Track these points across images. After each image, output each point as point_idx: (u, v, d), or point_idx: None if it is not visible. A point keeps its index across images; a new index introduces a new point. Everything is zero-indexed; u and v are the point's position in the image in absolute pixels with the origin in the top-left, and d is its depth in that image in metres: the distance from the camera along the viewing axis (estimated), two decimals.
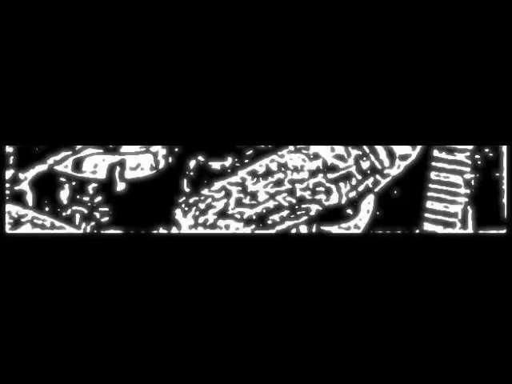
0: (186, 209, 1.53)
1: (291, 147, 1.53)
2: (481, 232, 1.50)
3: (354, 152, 1.53)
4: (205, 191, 1.53)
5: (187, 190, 1.53)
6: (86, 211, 1.52)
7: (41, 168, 1.52)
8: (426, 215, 1.52)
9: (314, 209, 1.53)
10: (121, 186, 1.53)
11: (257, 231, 1.52)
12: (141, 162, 1.53)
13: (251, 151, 1.53)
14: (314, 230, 1.53)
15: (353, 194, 1.53)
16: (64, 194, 1.52)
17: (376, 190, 1.53)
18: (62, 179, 1.52)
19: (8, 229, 1.50)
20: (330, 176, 1.53)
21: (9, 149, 1.50)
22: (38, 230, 1.51)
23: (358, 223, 1.53)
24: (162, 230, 1.52)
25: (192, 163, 1.53)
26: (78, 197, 1.52)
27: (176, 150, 1.53)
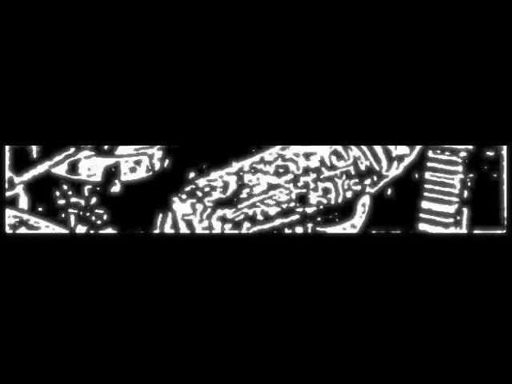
0: (185, 210, 1.52)
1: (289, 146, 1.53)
2: (480, 232, 1.50)
3: (353, 152, 1.53)
4: (202, 189, 1.52)
5: (185, 191, 1.53)
6: (81, 213, 1.52)
7: (36, 171, 1.52)
8: (422, 215, 1.51)
9: (311, 208, 1.53)
10: (116, 188, 1.52)
11: (253, 230, 1.52)
12: (136, 163, 1.53)
13: (248, 152, 1.53)
14: (309, 230, 1.52)
15: (349, 195, 1.53)
16: (59, 197, 1.52)
17: (372, 190, 1.53)
18: (58, 182, 1.52)
19: (8, 230, 1.51)
20: (328, 174, 1.53)
21: (6, 150, 1.50)
22: (37, 231, 1.51)
23: (354, 223, 1.53)
24: (157, 231, 1.51)
25: (189, 171, 1.52)
26: (73, 199, 1.52)
27: (170, 152, 1.53)
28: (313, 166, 1.53)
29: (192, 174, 1.53)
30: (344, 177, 1.53)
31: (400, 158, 1.53)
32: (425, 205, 1.51)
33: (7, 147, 1.50)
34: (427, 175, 1.52)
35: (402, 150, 1.53)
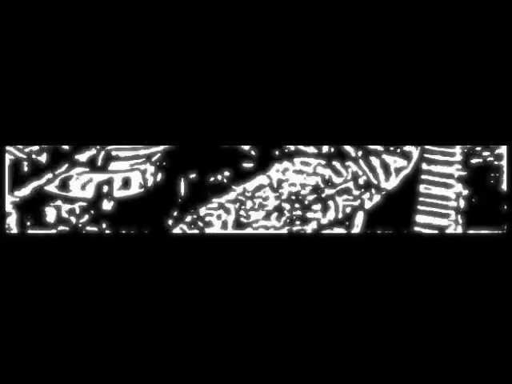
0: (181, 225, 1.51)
1: (287, 163, 1.52)
2: (479, 232, 1.49)
3: (351, 168, 1.53)
4: (201, 208, 1.51)
5: (179, 205, 1.51)
6: (72, 231, 1.50)
7: (27, 190, 1.51)
8: (421, 214, 1.50)
9: (310, 225, 1.52)
10: (109, 205, 1.51)
11: (250, 231, 1.51)
12: (129, 179, 1.52)
13: (249, 164, 1.52)
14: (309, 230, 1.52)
15: (349, 210, 1.52)
16: (50, 214, 1.51)
17: (371, 204, 1.52)
18: (49, 199, 1.51)
19: (8, 228, 1.50)
20: (328, 192, 1.52)
21: (5, 149, 1.50)
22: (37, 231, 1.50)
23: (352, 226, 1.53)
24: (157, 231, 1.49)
25: (183, 182, 1.51)
26: (65, 216, 1.51)
27: (162, 167, 1.52)
28: (313, 184, 1.53)
29: (183, 188, 1.51)
30: (343, 194, 1.53)
31: (398, 171, 1.53)
32: (424, 204, 1.51)
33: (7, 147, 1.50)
34: (421, 188, 1.52)
35: (399, 162, 1.53)
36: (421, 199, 1.51)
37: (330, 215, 1.52)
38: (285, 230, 1.51)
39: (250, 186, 1.53)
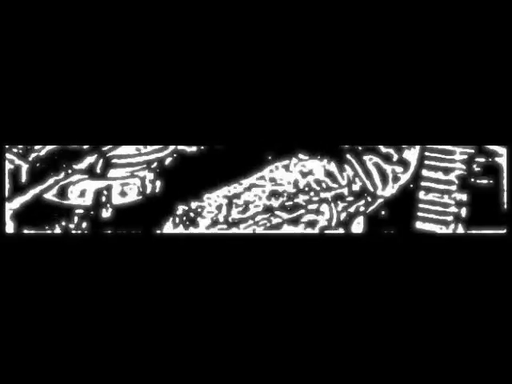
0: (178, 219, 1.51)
1: (281, 166, 1.53)
2: (480, 232, 1.50)
3: (347, 173, 1.53)
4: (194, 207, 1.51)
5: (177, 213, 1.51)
6: (71, 232, 1.50)
7: (25, 197, 1.50)
8: (421, 214, 1.51)
9: (305, 230, 1.52)
10: (107, 212, 1.50)
11: (251, 232, 1.51)
12: (127, 186, 1.51)
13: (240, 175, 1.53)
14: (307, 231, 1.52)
15: (343, 216, 1.53)
16: (48, 222, 1.50)
17: (367, 211, 1.53)
18: (48, 207, 1.51)
19: (8, 229, 1.50)
20: (322, 196, 1.53)
21: (5, 149, 1.50)
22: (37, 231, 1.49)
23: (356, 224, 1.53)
24: (157, 231, 1.49)
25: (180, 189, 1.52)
26: (63, 224, 1.50)
27: (161, 174, 1.52)
28: (306, 189, 1.53)
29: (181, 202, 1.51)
30: (337, 199, 1.53)
31: (395, 178, 1.53)
32: (424, 204, 1.52)
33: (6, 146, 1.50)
34: (424, 172, 1.52)
35: (396, 169, 1.54)
36: (420, 206, 1.52)
37: (323, 221, 1.53)
38: (279, 230, 1.52)
39: (245, 183, 1.53)
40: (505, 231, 1.50)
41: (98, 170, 1.51)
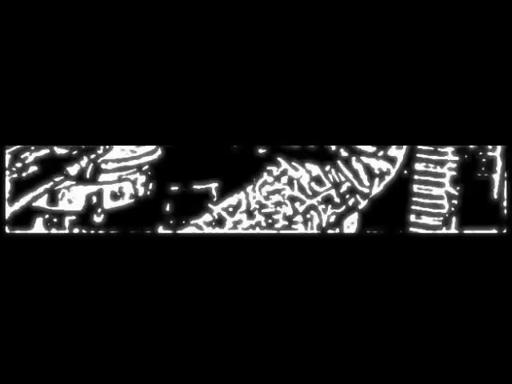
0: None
1: (268, 177, 1.53)
2: (480, 232, 1.51)
3: (332, 174, 1.54)
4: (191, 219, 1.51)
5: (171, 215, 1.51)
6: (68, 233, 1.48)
7: (16, 206, 1.47)
8: (422, 214, 1.53)
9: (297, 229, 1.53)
10: (99, 217, 1.49)
11: (249, 231, 1.52)
12: (119, 190, 1.50)
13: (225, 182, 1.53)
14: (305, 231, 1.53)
15: (333, 218, 1.54)
16: (39, 229, 1.47)
17: (359, 208, 1.54)
18: (38, 214, 1.48)
19: (8, 229, 1.48)
20: (309, 202, 1.53)
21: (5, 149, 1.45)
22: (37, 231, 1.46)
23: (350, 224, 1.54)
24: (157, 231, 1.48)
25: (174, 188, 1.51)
26: (54, 231, 1.47)
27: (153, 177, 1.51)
28: (295, 195, 1.54)
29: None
30: (326, 202, 1.54)
31: (381, 175, 1.55)
32: (424, 204, 1.53)
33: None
34: (415, 188, 1.54)
35: (383, 166, 1.55)
36: (414, 199, 1.53)
37: (314, 224, 1.54)
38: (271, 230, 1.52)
39: (232, 199, 1.53)
40: (505, 231, 1.51)
41: (88, 176, 1.49)
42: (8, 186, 1.47)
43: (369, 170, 1.55)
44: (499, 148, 1.53)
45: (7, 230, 1.47)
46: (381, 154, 1.55)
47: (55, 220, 1.48)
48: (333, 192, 1.54)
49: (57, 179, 1.47)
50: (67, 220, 1.48)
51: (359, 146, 1.53)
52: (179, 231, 1.50)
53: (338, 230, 1.53)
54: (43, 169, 1.47)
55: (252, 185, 1.53)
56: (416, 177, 1.54)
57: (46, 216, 1.48)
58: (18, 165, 1.47)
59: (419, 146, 1.53)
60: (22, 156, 1.47)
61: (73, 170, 1.48)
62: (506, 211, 1.52)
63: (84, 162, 1.48)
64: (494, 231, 1.51)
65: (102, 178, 1.49)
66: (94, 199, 1.48)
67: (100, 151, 1.48)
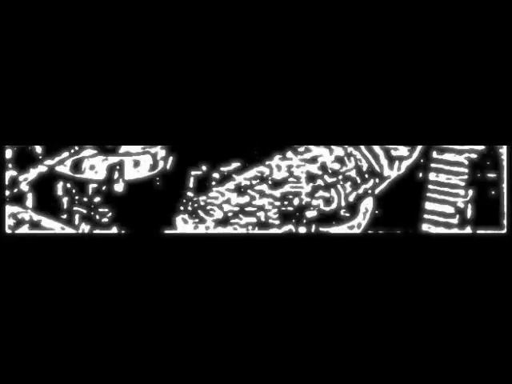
0: (187, 214, 1.53)
1: (290, 151, 1.53)
2: (481, 232, 1.50)
3: (354, 155, 1.53)
4: (204, 196, 1.53)
5: (188, 193, 1.53)
6: (85, 212, 1.52)
7: (40, 169, 1.52)
8: (425, 216, 1.52)
9: (313, 213, 1.53)
10: (120, 187, 1.53)
11: (255, 231, 1.53)
12: (140, 162, 1.53)
13: (253, 152, 1.53)
14: (312, 230, 1.53)
15: (352, 198, 1.53)
16: (63, 195, 1.52)
17: (375, 192, 1.53)
18: (61, 180, 1.52)
19: (8, 229, 1.51)
20: (330, 180, 1.53)
21: (8, 150, 1.50)
22: (37, 231, 1.51)
23: (357, 224, 1.53)
24: (161, 231, 1.51)
25: (193, 170, 1.53)
26: (77, 197, 1.52)
27: (174, 151, 1.53)
28: (315, 171, 1.53)
29: (195, 173, 1.53)
30: (346, 181, 1.54)
31: (400, 159, 1.53)
32: (428, 206, 1.52)
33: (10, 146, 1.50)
34: (431, 176, 1.52)
35: (402, 150, 1.54)
36: (429, 186, 1.52)
37: (333, 204, 1.53)
38: (287, 226, 1.53)
39: (249, 175, 1.54)
40: (505, 231, 1.50)
41: (110, 145, 1.53)
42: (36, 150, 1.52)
43: (388, 153, 1.54)
44: (503, 148, 1.51)
45: (7, 230, 1.51)
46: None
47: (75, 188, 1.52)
48: (353, 172, 1.53)
49: (78, 148, 1.52)
50: (90, 187, 1.53)
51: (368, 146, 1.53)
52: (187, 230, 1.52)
53: (353, 211, 1.53)
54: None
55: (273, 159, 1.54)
56: (431, 177, 1.53)
57: (68, 184, 1.52)
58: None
59: (424, 146, 1.52)
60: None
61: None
62: (506, 211, 1.50)
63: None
64: (495, 231, 1.50)
65: (124, 149, 1.53)
66: (116, 169, 1.52)
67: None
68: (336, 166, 1.53)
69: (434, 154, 1.52)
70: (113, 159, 1.53)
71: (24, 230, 1.51)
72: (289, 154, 1.54)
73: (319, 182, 1.53)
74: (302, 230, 1.52)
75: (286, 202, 1.53)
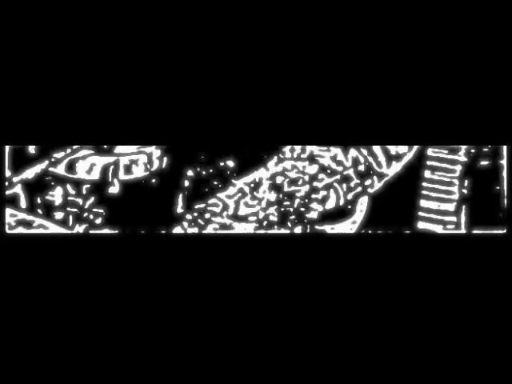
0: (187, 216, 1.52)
1: (288, 151, 1.53)
2: (481, 232, 1.49)
3: (351, 154, 1.53)
4: (202, 202, 1.52)
5: (183, 198, 1.52)
6: (79, 212, 1.51)
7: (34, 170, 1.52)
8: (421, 214, 1.51)
9: (311, 213, 1.53)
10: (115, 187, 1.52)
11: (252, 231, 1.52)
12: (135, 162, 1.53)
13: (248, 152, 1.53)
14: (308, 229, 1.52)
15: (350, 196, 1.53)
16: (57, 196, 1.52)
17: (372, 190, 1.53)
18: (55, 181, 1.52)
19: (7, 229, 1.50)
20: (328, 180, 1.53)
21: (5, 149, 1.50)
22: (33, 231, 1.51)
23: (352, 223, 1.52)
24: (157, 231, 1.50)
25: (189, 171, 1.52)
26: (71, 198, 1.52)
27: (170, 150, 1.53)
28: (312, 173, 1.53)
29: (190, 173, 1.52)
30: (344, 180, 1.53)
31: (398, 157, 1.53)
32: (424, 203, 1.51)
33: (6, 146, 1.50)
34: (427, 173, 1.51)
35: (400, 148, 1.54)
36: (424, 184, 1.51)
37: (331, 203, 1.53)
38: (284, 228, 1.52)
39: (248, 180, 1.53)
40: (505, 231, 1.49)
41: (105, 146, 1.52)
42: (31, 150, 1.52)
43: (386, 152, 1.53)
44: (503, 148, 1.51)
45: (7, 230, 1.51)
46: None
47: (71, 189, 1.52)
48: (351, 171, 1.53)
49: (74, 148, 1.51)
50: (84, 188, 1.52)
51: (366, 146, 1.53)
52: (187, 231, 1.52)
53: (350, 208, 1.53)
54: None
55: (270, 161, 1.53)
56: (427, 175, 1.52)
57: (64, 184, 1.52)
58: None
59: (424, 146, 1.52)
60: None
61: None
62: (506, 211, 1.50)
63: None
64: (495, 231, 1.49)
65: (119, 149, 1.53)
66: (110, 170, 1.52)
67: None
68: (334, 166, 1.53)
69: (430, 152, 1.51)
70: (108, 159, 1.52)
71: (20, 230, 1.51)
72: (286, 154, 1.53)
73: (316, 183, 1.53)
74: (301, 230, 1.52)
75: (285, 203, 1.52)
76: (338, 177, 1.53)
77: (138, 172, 1.53)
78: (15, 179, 1.51)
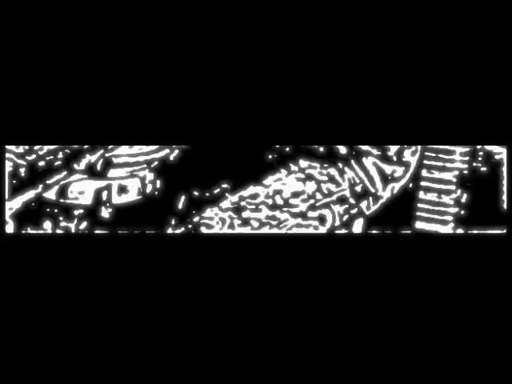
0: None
1: (284, 172, 1.53)
2: (480, 232, 1.50)
3: (348, 175, 1.53)
4: (196, 217, 1.51)
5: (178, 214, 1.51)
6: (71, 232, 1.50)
7: (26, 197, 1.50)
8: (421, 214, 1.50)
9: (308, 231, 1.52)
10: (107, 212, 1.50)
11: (253, 232, 1.51)
12: (127, 186, 1.51)
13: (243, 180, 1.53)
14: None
15: (346, 218, 1.53)
16: (48, 222, 1.50)
17: (368, 212, 1.53)
18: (47, 207, 1.51)
19: (7, 229, 1.50)
20: (324, 201, 1.53)
21: (5, 149, 1.50)
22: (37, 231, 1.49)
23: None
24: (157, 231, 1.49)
25: (182, 197, 1.51)
26: (62, 224, 1.50)
27: (161, 173, 1.52)
28: (310, 192, 1.53)
29: (183, 200, 1.51)
30: (340, 202, 1.53)
31: (394, 179, 1.53)
32: (424, 203, 1.51)
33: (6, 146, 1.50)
34: (421, 194, 1.52)
35: (396, 171, 1.54)
36: (420, 206, 1.52)
37: (327, 224, 1.53)
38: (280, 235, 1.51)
39: (246, 193, 1.53)
40: (505, 231, 1.50)
41: (98, 169, 1.51)
42: (22, 175, 1.51)
43: (382, 173, 1.53)
44: (503, 148, 1.51)
45: (10, 230, 1.50)
46: (394, 158, 1.53)
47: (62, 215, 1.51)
48: (347, 192, 1.53)
49: (66, 172, 1.50)
50: (76, 213, 1.50)
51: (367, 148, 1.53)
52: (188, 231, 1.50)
53: (347, 230, 1.52)
54: (52, 162, 1.50)
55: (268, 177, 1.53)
56: (422, 183, 1.52)
57: (55, 209, 1.50)
58: (30, 157, 1.50)
59: (426, 153, 1.52)
60: (35, 148, 1.50)
61: (82, 163, 1.50)
62: (506, 211, 1.50)
63: (94, 156, 1.51)
64: (495, 231, 1.50)
65: (112, 173, 1.51)
66: (103, 194, 1.51)
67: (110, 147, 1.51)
68: (330, 186, 1.53)
69: (424, 173, 1.52)
70: (100, 183, 1.51)
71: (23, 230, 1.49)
72: (282, 172, 1.53)
73: (312, 201, 1.52)
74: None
75: (281, 225, 1.51)
76: (334, 197, 1.53)
77: (131, 196, 1.52)
78: (7, 205, 1.50)
